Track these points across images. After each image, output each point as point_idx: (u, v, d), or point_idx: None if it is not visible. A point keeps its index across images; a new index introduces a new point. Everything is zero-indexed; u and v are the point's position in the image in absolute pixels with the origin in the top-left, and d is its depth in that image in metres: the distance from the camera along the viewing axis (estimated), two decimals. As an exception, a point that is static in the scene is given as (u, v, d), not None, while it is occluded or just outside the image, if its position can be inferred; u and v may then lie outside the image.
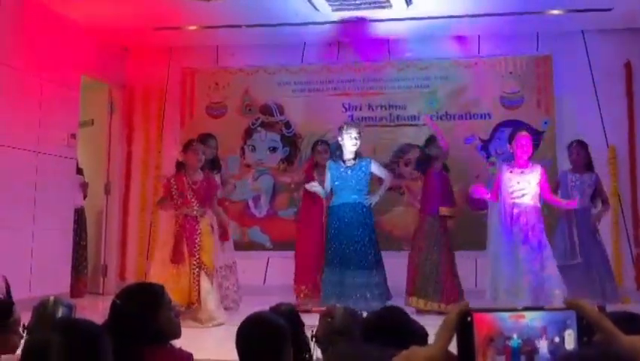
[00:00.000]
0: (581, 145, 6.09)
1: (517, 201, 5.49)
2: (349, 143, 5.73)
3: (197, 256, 5.50)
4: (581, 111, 7.25)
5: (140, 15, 6.91)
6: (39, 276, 6.34)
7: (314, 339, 2.55)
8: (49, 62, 6.72)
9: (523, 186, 5.50)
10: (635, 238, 7.07)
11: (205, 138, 6.15)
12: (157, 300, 2.45)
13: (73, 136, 7.12)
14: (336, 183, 5.88)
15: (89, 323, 2.09)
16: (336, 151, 5.95)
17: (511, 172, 5.57)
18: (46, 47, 6.67)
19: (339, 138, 5.88)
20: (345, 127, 5.87)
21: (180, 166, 5.77)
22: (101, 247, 7.91)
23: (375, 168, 5.89)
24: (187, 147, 5.75)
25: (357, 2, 6.47)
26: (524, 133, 5.66)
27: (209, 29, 7.45)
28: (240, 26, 7.29)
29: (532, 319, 0.91)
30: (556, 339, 0.90)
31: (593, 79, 7.31)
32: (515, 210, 5.47)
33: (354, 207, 5.71)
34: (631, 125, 7.20)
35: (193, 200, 5.63)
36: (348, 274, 5.53)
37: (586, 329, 0.91)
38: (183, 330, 2.50)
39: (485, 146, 7.47)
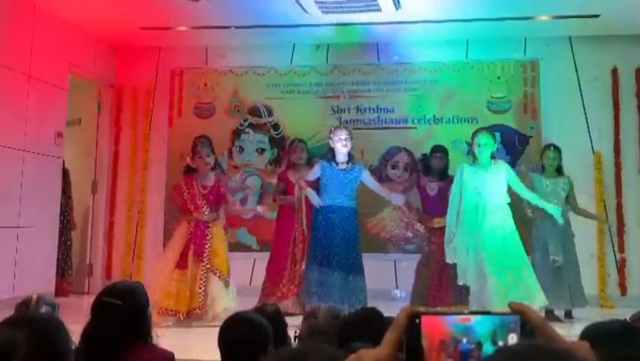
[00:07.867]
0: (557, 149, 6.13)
1: None
2: (339, 145, 5.75)
3: (206, 262, 5.58)
4: (568, 117, 7.30)
5: (129, 14, 6.90)
6: (23, 275, 6.31)
7: (296, 340, 2.56)
8: (37, 60, 6.68)
9: None
10: (619, 244, 7.12)
11: (203, 141, 6.07)
12: (147, 298, 2.44)
13: (61, 135, 7.09)
14: (327, 183, 5.86)
15: (48, 315, 2.08)
16: (328, 153, 5.95)
17: None
18: (34, 45, 6.64)
19: (330, 141, 5.90)
20: (333, 130, 5.88)
21: (190, 170, 5.82)
22: (86, 246, 7.88)
23: (366, 178, 5.87)
24: (193, 152, 5.80)
25: (346, 5, 6.48)
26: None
27: (199, 30, 7.44)
28: (229, 27, 7.29)
29: (479, 322, 0.93)
30: (501, 343, 0.92)
31: (579, 85, 7.36)
32: None
33: (342, 210, 5.69)
34: (616, 131, 7.24)
35: (204, 205, 5.71)
36: (330, 275, 5.51)
37: (529, 333, 0.92)
38: (166, 330, 2.49)
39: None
